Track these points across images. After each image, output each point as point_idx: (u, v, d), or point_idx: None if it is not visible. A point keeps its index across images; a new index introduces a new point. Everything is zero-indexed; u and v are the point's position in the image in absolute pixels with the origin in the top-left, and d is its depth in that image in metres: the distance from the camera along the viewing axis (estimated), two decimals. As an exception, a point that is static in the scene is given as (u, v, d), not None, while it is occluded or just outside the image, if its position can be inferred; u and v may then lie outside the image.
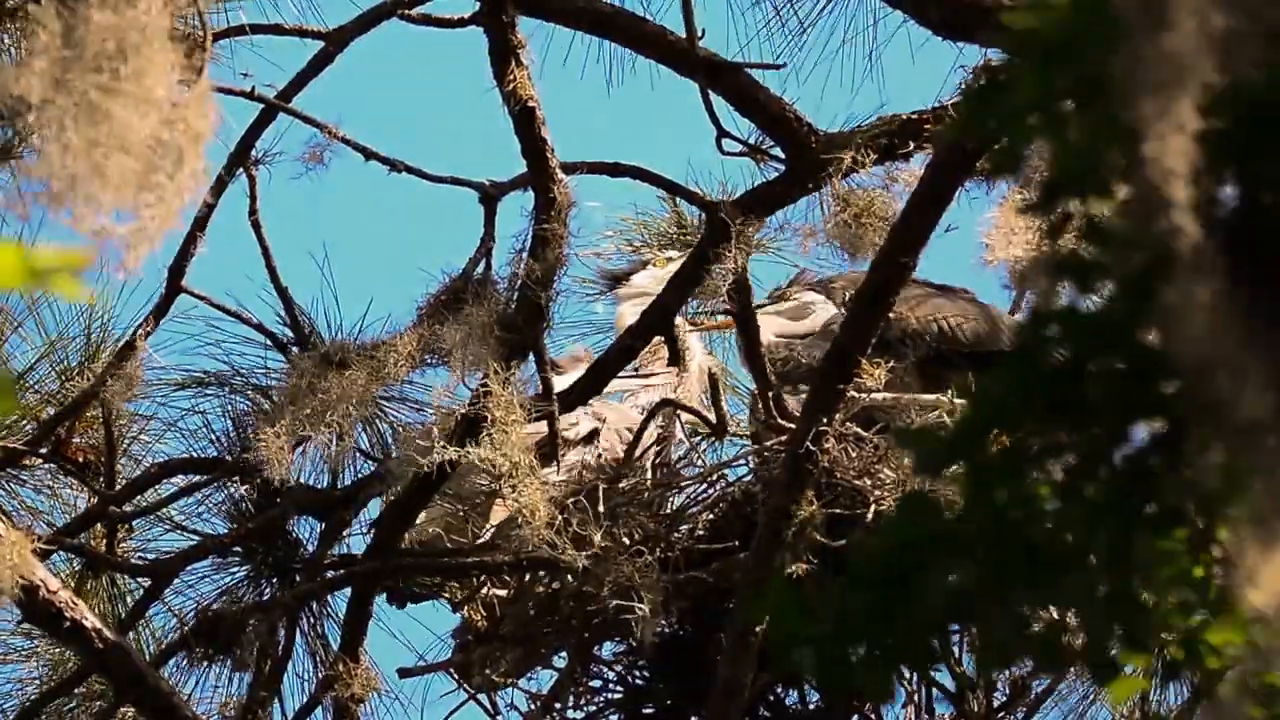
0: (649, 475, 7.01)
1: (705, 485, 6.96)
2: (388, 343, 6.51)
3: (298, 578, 6.88)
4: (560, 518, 6.37)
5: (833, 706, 6.91)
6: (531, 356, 6.47)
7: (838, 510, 6.58)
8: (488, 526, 6.96)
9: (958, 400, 6.76)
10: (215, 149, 6.68)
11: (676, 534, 6.83)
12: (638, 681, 7.00)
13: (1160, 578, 2.74)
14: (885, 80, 6.77)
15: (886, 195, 6.61)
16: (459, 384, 6.44)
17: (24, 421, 7.10)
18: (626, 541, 6.71)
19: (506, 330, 6.37)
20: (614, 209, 7.54)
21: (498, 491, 6.84)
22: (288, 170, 6.72)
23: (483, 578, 6.89)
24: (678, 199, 7.18)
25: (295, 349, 6.82)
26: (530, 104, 6.27)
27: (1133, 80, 2.50)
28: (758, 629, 6.21)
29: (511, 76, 6.26)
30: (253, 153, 6.75)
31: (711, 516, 6.89)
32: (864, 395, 6.50)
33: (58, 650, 7.08)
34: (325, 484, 6.92)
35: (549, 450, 6.67)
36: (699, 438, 7.18)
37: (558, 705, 6.99)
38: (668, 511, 6.87)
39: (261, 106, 6.62)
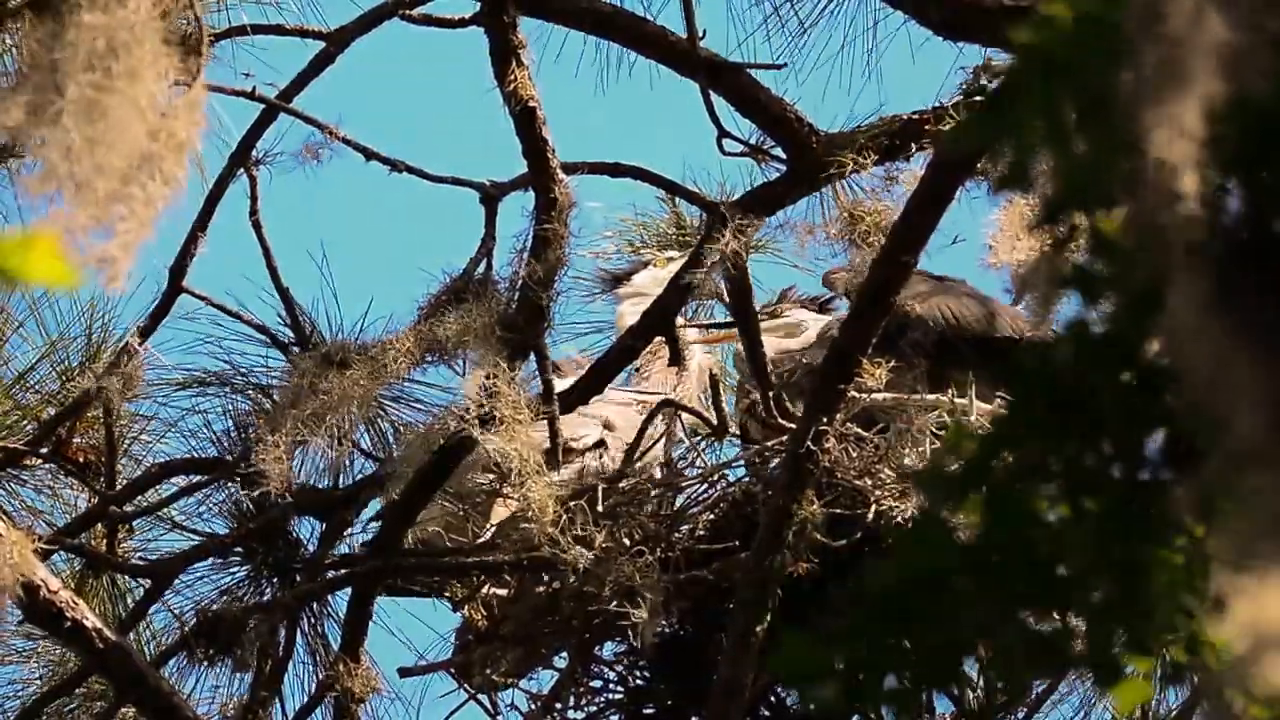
0: (657, 473, 7.01)
1: (706, 485, 6.96)
2: (389, 343, 6.51)
3: (298, 578, 6.88)
4: (564, 518, 6.37)
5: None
6: (533, 357, 6.47)
7: (838, 510, 6.58)
8: (488, 526, 6.96)
9: (959, 400, 6.76)
10: (216, 149, 6.73)
11: (677, 534, 6.84)
12: (638, 682, 7.01)
13: (1162, 583, 2.74)
14: (885, 80, 6.78)
15: (892, 207, 6.61)
16: (467, 382, 6.44)
17: (24, 421, 7.10)
18: (627, 542, 6.71)
19: (508, 330, 6.37)
20: (614, 210, 7.55)
21: (498, 491, 6.85)
22: (289, 170, 6.73)
23: (483, 577, 6.89)
24: (677, 200, 7.18)
25: (296, 349, 6.82)
26: (531, 104, 6.27)
27: (1137, 91, 2.50)
28: (759, 629, 6.21)
29: (512, 77, 6.26)
30: (253, 153, 6.75)
31: (712, 517, 6.89)
32: (864, 395, 6.50)
33: (59, 651, 7.08)
34: (326, 484, 6.92)
35: (551, 451, 6.67)
36: (699, 438, 7.18)
37: (558, 705, 6.99)
38: (668, 512, 6.87)
39: (262, 107, 6.62)
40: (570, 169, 6.39)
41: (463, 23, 6.41)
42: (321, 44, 6.55)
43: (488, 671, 6.92)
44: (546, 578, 6.82)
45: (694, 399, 7.29)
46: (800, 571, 6.43)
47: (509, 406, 6.23)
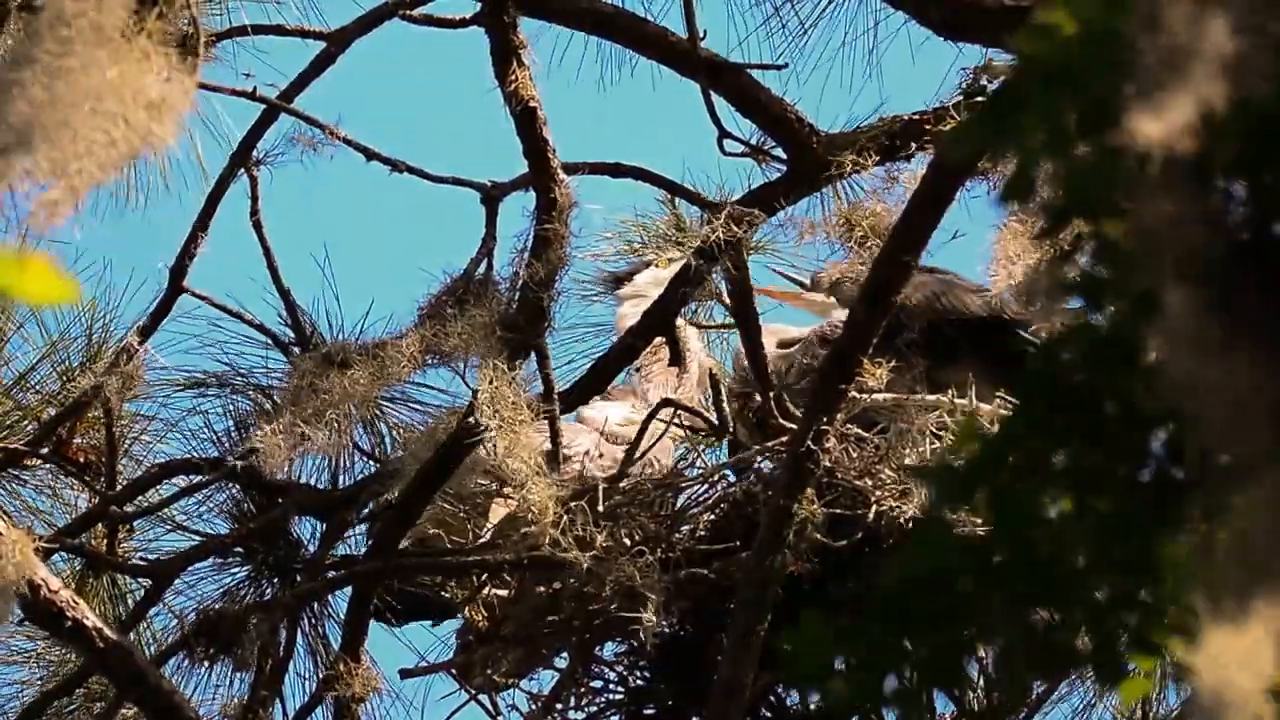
0: (660, 470, 7.02)
1: (706, 486, 6.96)
2: (389, 343, 6.51)
3: (299, 578, 6.89)
4: (564, 519, 6.37)
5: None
6: (534, 356, 6.47)
7: (839, 510, 6.58)
8: (488, 526, 6.96)
9: (959, 401, 6.76)
10: (217, 149, 6.73)
11: (677, 534, 6.84)
12: (639, 682, 7.01)
13: (1166, 581, 2.75)
14: (886, 81, 6.78)
15: (890, 210, 6.62)
16: (461, 384, 6.46)
17: (25, 422, 7.10)
18: (628, 542, 6.71)
19: (508, 330, 6.37)
20: (615, 210, 7.54)
21: (497, 491, 6.85)
22: (289, 170, 6.73)
23: (484, 578, 6.89)
24: (678, 201, 7.18)
25: (297, 349, 6.83)
26: (532, 104, 6.28)
27: (1138, 95, 2.51)
28: (759, 629, 6.22)
29: (513, 77, 6.26)
30: (254, 153, 6.75)
31: (712, 517, 6.89)
32: (865, 396, 6.50)
33: (59, 652, 7.08)
34: (326, 485, 6.93)
35: (552, 451, 6.68)
36: (700, 440, 7.18)
37: (559, 706, 6.99)
38: (669, 512, 6.88)
39: (263, 107, 6.62)
40: (571, 169, 6.40)
41: (463, 23, 6.41)
42: (322, 44, 6.55)
43: (488, 672, 6.92)
44: (547, 578, 6.82)
45: (695, 400, 7.29)
46: (800, 571, 6.44)
47: (509, 407, 6.23)
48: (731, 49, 6.60)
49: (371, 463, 6.95)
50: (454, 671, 6.96)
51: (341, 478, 6.96)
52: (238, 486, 6.93)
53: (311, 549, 6.92)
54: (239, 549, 6.96)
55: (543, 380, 6.55)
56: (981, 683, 6.34)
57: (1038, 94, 2.51)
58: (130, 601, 7.07)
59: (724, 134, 6.60)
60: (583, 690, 7.02)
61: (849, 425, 6.69)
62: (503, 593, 6.97)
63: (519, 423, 6.24)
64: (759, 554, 6.29)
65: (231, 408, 6.96)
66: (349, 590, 6.75)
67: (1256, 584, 2.52)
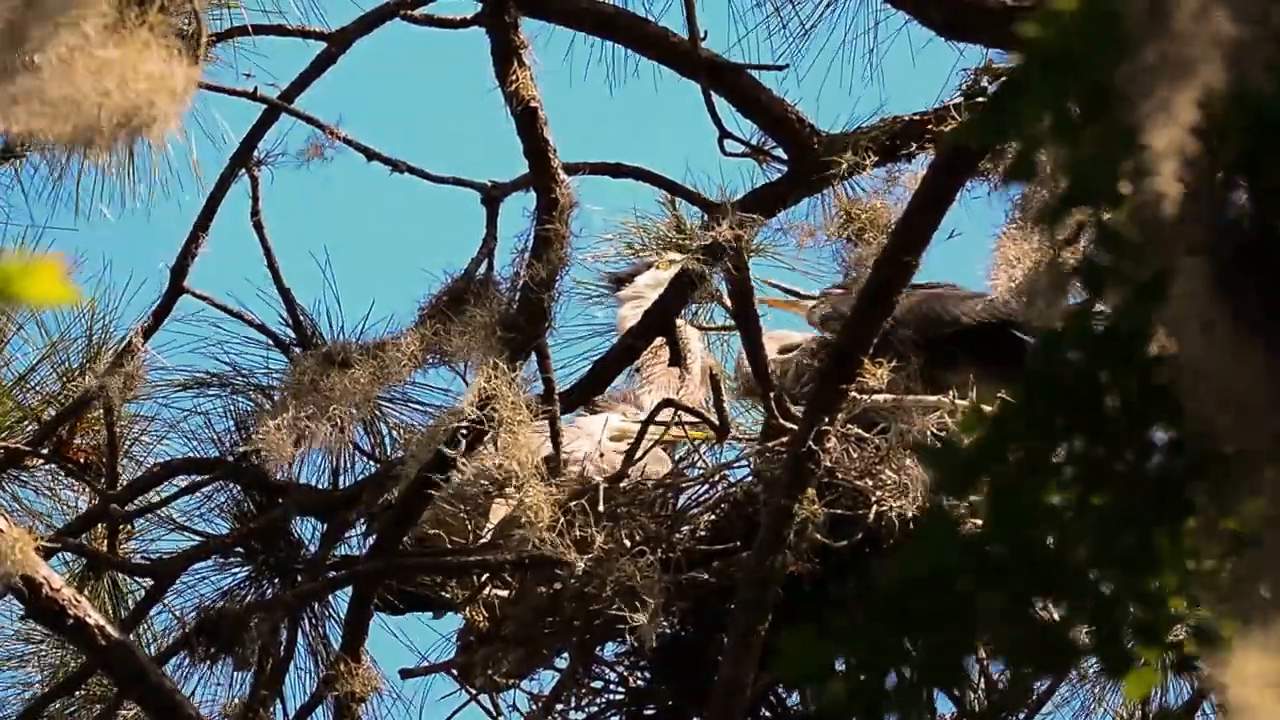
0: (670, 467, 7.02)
1: (707, 486, 6.96)
2: (390, 343, 6.51)
3: (299, 578, 6.89)
4: (562, 520, 6.37)
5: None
6: (534, 356, 6.47)
7: (839, 511, 6.58)
8: (488, 526, 6.96)
9: (959, 401, 6.77)
10: (217, 150, 6.74)
11: (678, 534, 6.84)
12: (639, 682, 7.01)
13: (1172, 573, 2.75)
14: (886, 81, 6.79)
15: (889, 207, 6.62)
16: (462, 384, 6.46)
17: (25, 422, 7.10)
18: (628, 543, 6.72)
19: (509, 331, 6.37)
20: (615, 211, 7.54)
21: (498, 491, 6.84)
22: (290, 171, 6.73)
23: (484, 578, 6.89)
24: (678, 202, 7.18)
25: (298, 349, 6.83)
26: (532, 104, 6.28)
27: (1138, 84, 2.51)
28: (760, 629, 6.22)
29: (514, 77, 6.26)
30: (255, 153, 6.75)
31: (713, 517, 6.89)
32: (865, 396, 6.50)
33: (59, 653, 7.08)
34: (327, 485, 6.93)
35: (554, 450, 6.68)
36: (700, 440, 7.17)
37: (559, 706, 6.99)
38: (669, 512, 6.88)
39: (264, 107, 6.63)
40: (571, 169, 6.40)
41: (464, 23, 6.42)
42: (323, 44, 6.55)
43: (489, 672, 6.92)
44: (547, 579, 6.82)
45: (696, 401, 7.29)
46: (801, 572, 6.44)
47: (508, 409, 6.23)
48: (731, 48, 6.61)
49: (371, 463, 6.95)
50: (454, 671, 6.96)
51: (342, 478, 6.97)
52: (239, 486, 6.94)
53: (312, 549, 6.92)
54: (240, 549, 6.96)
55: (543, 381, 6.55)
56: (982, 683, 6.36)
57: (1040, 79, 2.51)
58: (131, 602, 7.07)
59: (725, 134, 6.60)
60: (583, 690, 7.02)
61: (849, 425, 6.69)
62: (503, 593, 6.97)
63: (517, 423, 6.24)
64: (759, 554, 6.29)
65: (232, 408, 6.97)
66: (349, 590, 6.74)
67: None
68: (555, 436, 6.67)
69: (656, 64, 6.55)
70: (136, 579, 7.03)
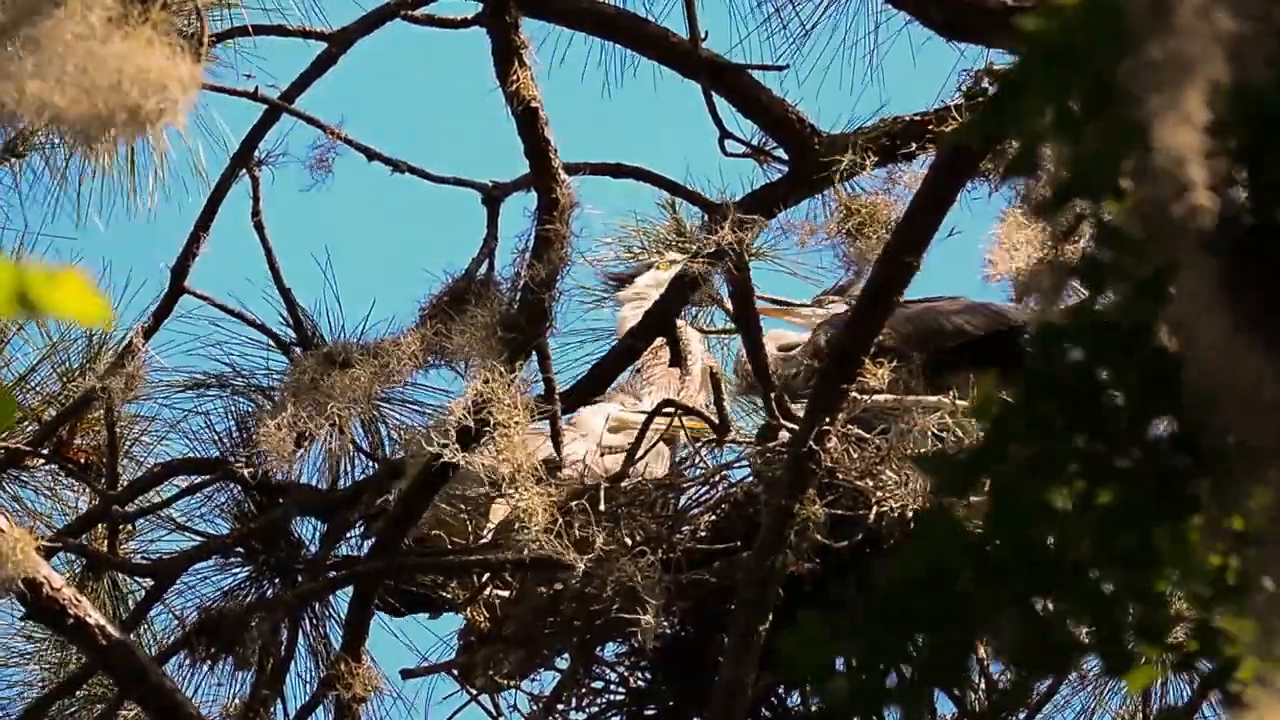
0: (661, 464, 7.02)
1: (707, 486, 6.96)
2: (391, 343, 6.51)
3: (300, 579, 6.88)
4: (561, 520, 6.37)
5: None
6: (535, 357, 6.47)
7: (839, 511, 6.58)
8: (488, 526, 6.96)
9: (959, 401, 6.77)
10: (218, 150, 6.74)
11: (678, 535, 6.84)
12: (640, 682, 7.01)
13: (1174, 570, 2.75)
14: (886, 82, 6.79)
15: (889, 203, 6.62)
16: (462, 385, 6.46)
17: (26, 423, 7.10)
18: (629, 543, 6.72)
19: (509, 331, 6.37)
20: (615, 213, 7.54)
21: (499, 491, 6.84)
22: (291, 172, 6.73)
23: (485, 578, 6.89)
24: (678, 205, 7.18)
25: (298, 350, 6.83)
26: (533, 104, 6.28)
27: (1141, 79, 2.51)
28: (760, 629, 6.22)
29: (514, 77, 6.26)
30: (256, 154, 6.75)
31: (713, 517, 6.89)
32: (865, 397, 6.50)
33: (59, 654, 7.09)
34: (327, 485, 6.93)
35: (554, 448, 6.69)
36: (701, 442, 7.17)
37: (560, 706, 6.99)
38: (670, 512, 6.88)
39: (265, 107, 6.63)
40: (572, 169, 6.40)
41: (465, 23, 6.41)
42: (324, 44, 6.55)
43: (490, 673, 6.92)
44: (548, 579, 6.82)
45: (697, 401, 7.28)
46: (801, 572, 6.44)
47: (504, 411, 6.23)
48: (732, 48, 6.61)
49: (371, 463, 6.95)
50: (455, 672, 6.96)
51: (342, 478, 6.97)
52: (239, 487, 6.94)
53: (313, 549, 6.92)
54: (240, 549, 6.96)
55: (544, 381, 6.55)
56: (982, 684, 6.36)
57: (1041, 74, 2.51)
58: (131, 602, 7.07)
59: (725, 135, 6.60)
60: (584, 691, 7.02)
61: (850, 427, 6.70)
62: (504, 593, 6.98)
63: (514, 425, 6.24)
64: (760, 554, 6.29)
65: (233, 408, 6.97)
66: (350, 590, 6.74)
67: None
68: (555, 437, 6.67)
69: (657, 64, 6.55)
70: (137, 579, 7.03)
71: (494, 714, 6.98)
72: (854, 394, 6.35)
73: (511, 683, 6.97)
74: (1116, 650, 2.78)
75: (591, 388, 6.75)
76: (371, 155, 6.60)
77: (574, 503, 6.62)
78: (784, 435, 6.88)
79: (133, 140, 4.38)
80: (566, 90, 6.63)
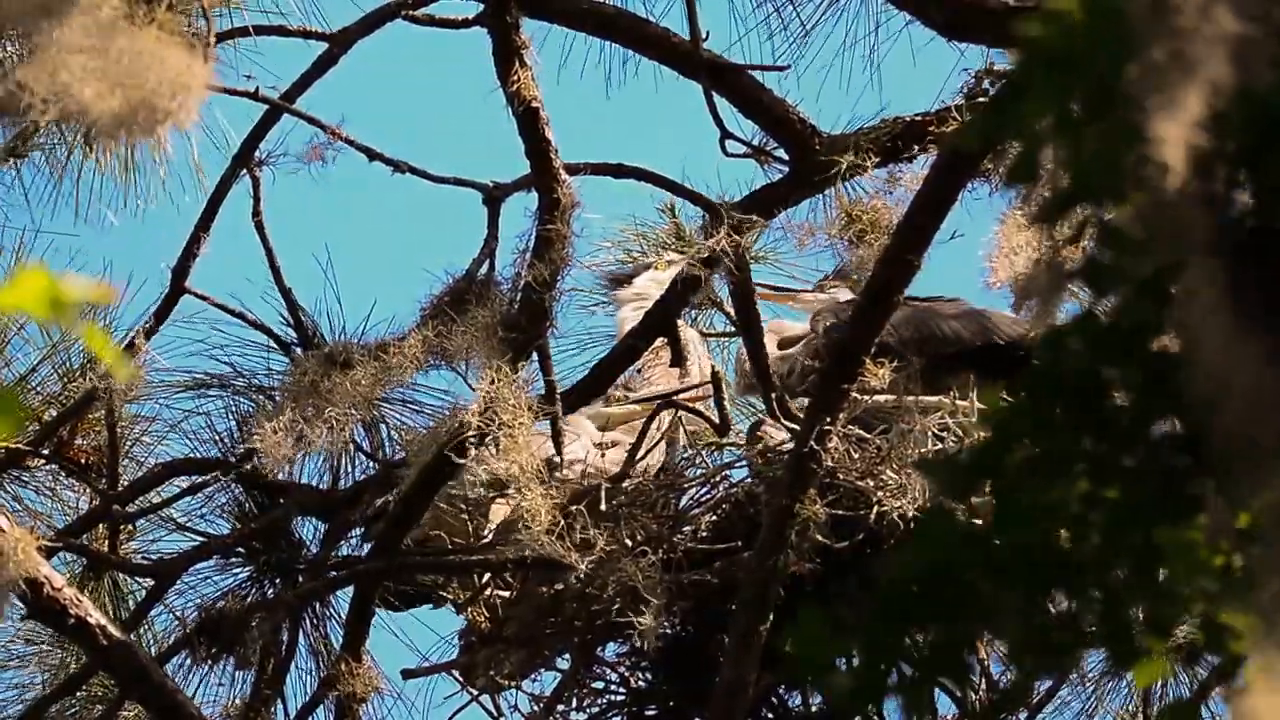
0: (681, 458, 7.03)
1: (708, 487, 6.96)
2: (392, 343, 6.51)
3: (301, 578, 6.89)
4: (563, 521, 6.37)
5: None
6: (535, 357, 6.47)
7: (840, 511, 6.58)
8: (489, 526, 6.96)
9: (959, 402, 6.77)
10: (219, 150, 6.74)
11: (679, 535, 6.84)
12: (640, 683, 7.01)
13: (1180, 566, 2.75)
14: (887, 82, 6.79)
15: (890, 208, 6.62)
16: (463, 385, 6.46)
17: (26, 423, 7.10)
18: (629, 543, 6.72)
19: (510, 331, 6.37)
20: (615, 216, 7.55)
21: (499, 491, 6.85)
22: (292, 170, 6.73)
23: (486, 578, 6.89)
24: (677, 209, 7.19)
25: (299, 350, 6.83)
26: (534, 105, 6.28)
27: (1144, 82, 2.51)
28: (761, 629, 6.22)
29: (515, 77, 6.26)
30: (256, 154, 6.75)
31: (714, 517, 6.89)
32: (866, 397, 6.50)
33: (59, 655, 7.09)
34: (327, 485, 6.93)
35: (555, 450, 6.69)
36: (703, 444, 7.18)
37: (560, 707, 6.99)
38: (671, 512, 6.88)
39: (265, 108, 6.62)
40: (573, 169, 6.40)
41: (465, 23, 6.41)
42: (324, 45, 6.55)
43: (490, 673, 6.92)
44: (549, 579, 6.82)
45: (698, 401, 7.28)
46: (802, 572, 6.44)
47: (510, 412, 6.23)
48: (732, 48, 6.61)
49: (372, 463, 6.95)
50: (456, 672, 6.96)
51: (343, 479, 6.97)
52: (240, 487, 6.94)
53: (313, 549, 6.92)
54: (241, 549, 6.96)
55: (545, 382, 6.55)
56: (983, 684, 6.36)
57: (1042, 77, 2.51)
58: (132, 602, 7.07)
59: (726, 135, 6.60)
60: (584, 691, 7.02)
61: (851, 428, 6.70)
62: (505, 594, 6.98)
63: (518, 425, 6.24)
64: (761, 554, 6.29)
65: (233, 408, 6.97)
66: (351, 590, 6.74)
67: None
68: (556, 437, 6.67)
69: (657, 64, 6.55)
70: (137, 579, 7.03)
71: (495, 714, 6.99)
72: (854, 394, 6.35)
73: (512, 683, 6.97)
74: (1123, 644, 2.79)
75: (592, 388, 6.75)
76: (372, 155, 6.59)
77: (574, 506, 6.62)
78: (769, 432, 6.90)
79: (150, 137, 4.38)
80: (567, 90, 6.64)
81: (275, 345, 6.91)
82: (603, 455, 7.09)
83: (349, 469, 7.00)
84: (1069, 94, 2.55)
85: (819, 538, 6.32)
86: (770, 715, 7.01)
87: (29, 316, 2.65)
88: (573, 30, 6.54)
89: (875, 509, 6.65)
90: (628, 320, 7.29)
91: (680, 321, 7.12)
